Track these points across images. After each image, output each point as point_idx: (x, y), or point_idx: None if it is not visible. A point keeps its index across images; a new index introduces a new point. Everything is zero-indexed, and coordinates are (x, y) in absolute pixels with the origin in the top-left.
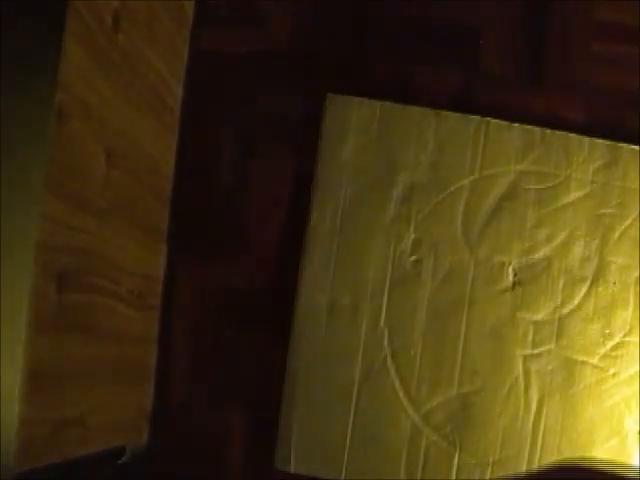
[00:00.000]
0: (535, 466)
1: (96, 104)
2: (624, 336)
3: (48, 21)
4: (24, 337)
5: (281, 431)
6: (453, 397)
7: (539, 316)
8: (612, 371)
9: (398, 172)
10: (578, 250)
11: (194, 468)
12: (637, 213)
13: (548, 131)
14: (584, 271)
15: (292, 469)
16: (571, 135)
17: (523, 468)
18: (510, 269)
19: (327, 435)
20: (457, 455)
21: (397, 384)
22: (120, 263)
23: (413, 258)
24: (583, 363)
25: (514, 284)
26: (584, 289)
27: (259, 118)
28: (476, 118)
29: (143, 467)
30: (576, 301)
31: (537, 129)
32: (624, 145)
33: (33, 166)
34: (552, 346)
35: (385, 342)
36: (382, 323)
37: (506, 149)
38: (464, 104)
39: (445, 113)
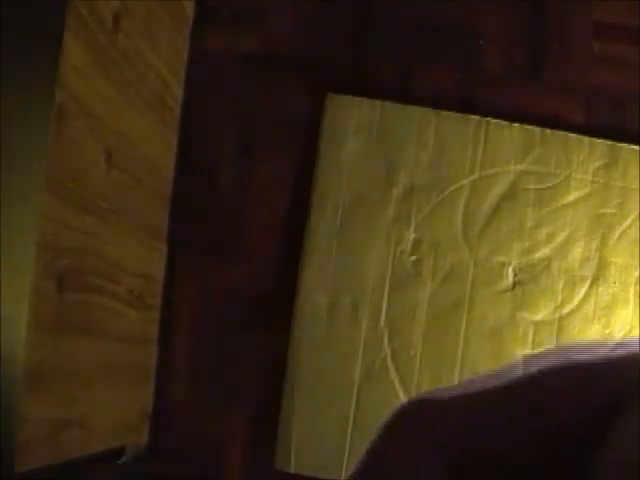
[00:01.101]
0: None
1: (96, 104)
2: (624, 336)
3: (48, 21)
4: (24, 337)
5: (281, 431)
6: None
7: (539, 316)
8: None
9: (398, 172)
10: (578, 250)
11: (194, 468)
12: (637, 213)
13: (548, 131)
14: (584, 271)
15: (292, 469)
16: (571, 135)
17: None
18: (510, 269)
19: (327, 435)
20: None
21: (397, 384)
22: (120, 263)
23: (413, 258)
24: None
25: (514, 284)
26: (584, 289)
27: (259, 118)
28: (476, 118)
29: (143, 467)
30: (576, 301)
31: (537, 129)
32: (624, 145)
33: (33, 166)
34: (552, 346)
35: (385, 342)
36: (382, 323)
37: (506, 149)
38: (464, 104)
39: (445, 113)
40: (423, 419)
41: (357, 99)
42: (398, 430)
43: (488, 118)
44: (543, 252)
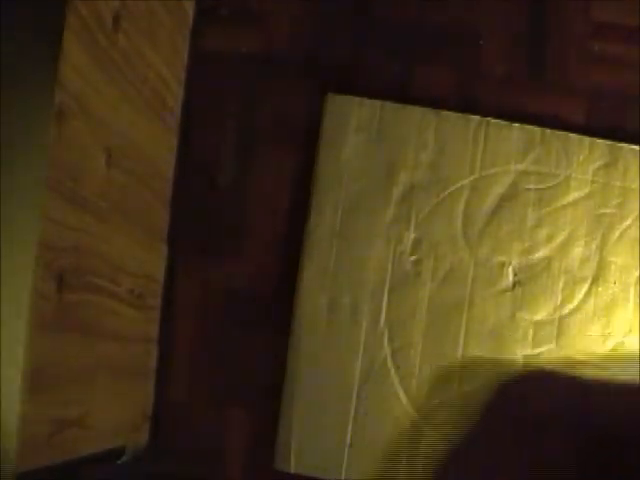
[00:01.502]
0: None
1: (96, 104)
2: (624, 336)
3: (48, 21)
4: (24, 337)
5: (281, 431)
6: (453, 397)
7: (539, 316)
8: (612, 371)
9: (398, 172)
10: (578, 250)
11: (194, 468)
12: (637, 213)
13: (548, 131)
14: (584, 271)
15: (292, 469)
16: (571, 135)
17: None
18: (510, 269)
19: (327, 435)
20: None
21: (397, 384)
22: (120, 263)
23: (413, 258)
24: (583, 363)
25: (514, 284)
26: (584, 289)
27: (259, 118)
28: (476, 118)
29: (143, 467)
30: (576, 301)
31: (537, 129)
32: (624, 145)
33: (33, 166)
34: (552, 346)
35: (385, 342)
36: (382, 323)
37: (506, 149)
38: (464, 104)
39: (445, 113)
40: None
41: (357, 99)
42: None
43: (488, 118)
44: (543, 252)
